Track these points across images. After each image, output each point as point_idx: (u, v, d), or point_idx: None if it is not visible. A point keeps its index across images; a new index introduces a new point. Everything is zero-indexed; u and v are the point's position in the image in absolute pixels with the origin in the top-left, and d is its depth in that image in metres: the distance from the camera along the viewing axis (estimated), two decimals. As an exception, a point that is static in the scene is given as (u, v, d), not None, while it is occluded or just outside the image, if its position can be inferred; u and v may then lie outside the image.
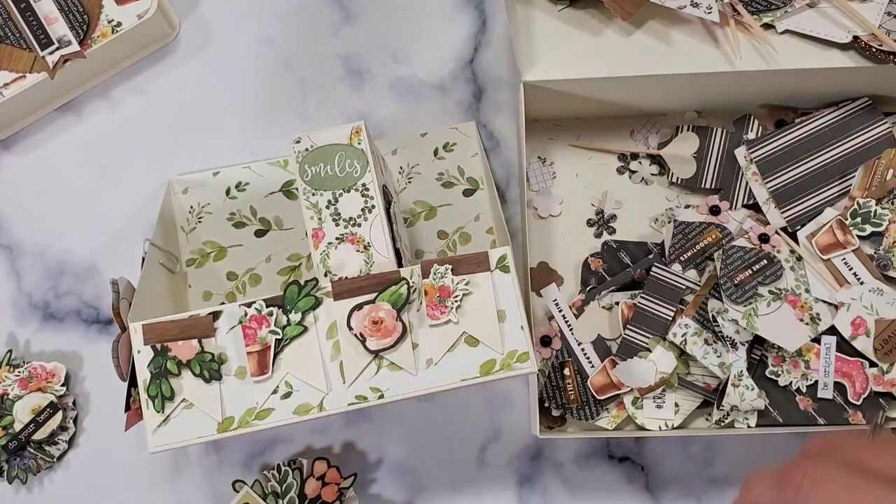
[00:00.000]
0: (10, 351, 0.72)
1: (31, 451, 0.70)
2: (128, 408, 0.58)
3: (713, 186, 0.71)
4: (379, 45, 0.77)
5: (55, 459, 0.71)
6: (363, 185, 0.57)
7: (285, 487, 0.66)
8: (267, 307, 0.55)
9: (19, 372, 0.71)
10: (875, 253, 0.67)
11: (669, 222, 0.69)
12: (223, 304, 0.61)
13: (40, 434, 0.70)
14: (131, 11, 0.72)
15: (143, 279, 0.62)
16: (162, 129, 0.76)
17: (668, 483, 0.71)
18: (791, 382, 0.65)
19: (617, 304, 0.68)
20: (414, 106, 0.76)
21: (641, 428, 0.66)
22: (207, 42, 0.78)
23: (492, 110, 0.76)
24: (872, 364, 0.65)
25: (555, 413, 0.67)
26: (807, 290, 0.66)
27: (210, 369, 0.55)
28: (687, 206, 0.72)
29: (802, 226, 0.68)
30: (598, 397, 0.66)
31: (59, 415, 0.70)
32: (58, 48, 0.71)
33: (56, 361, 0.72)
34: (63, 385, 0.71)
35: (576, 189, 0.73)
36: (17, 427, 0.69)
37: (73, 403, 0.72)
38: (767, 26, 0.65)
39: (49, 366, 0.71)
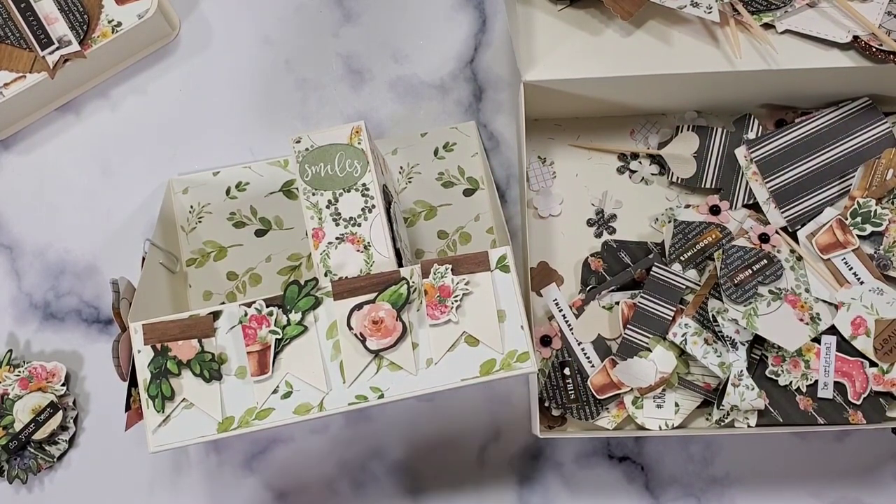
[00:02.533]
0: (11, 351, 0.72)
1: (32, 450, 0.70)
2: (128, 408, 0.58)
3: (713, 186, 0.71)
4: (379, 45, 0.77)
5: (55, 459, 0.71)
6: (363, 184, 0.57)
7: None
8: (267, 307, 0.55)
9: (19, 372, 0.71)
10: (875, 253, 0.67)
11: (669, 222, 0.69)
12: (223, 303, 0.61)
13: (40, 434, 0.70)
14: (131, 11, 0.72)
15: (144, 279, 0.62)
16: (162, 129, 0.76)
17: (668, 483, 0.71)
18: (791, 382, 0.65)
19: (617, 303, 0.68)
20: (414, 106, 0.76)
21: (641, 428, 0.66)
22: (207, 42, 0.78)
23: (492, 110, 0.76)
24: (872, 364, 0.65)
25: (555, 413, 0.67)
26: (807, 290, 0.66)
27: (210, 369, 0.55)
28: (687, 206, 0.72)
29: (802, 225, 0.68)
30: (598, 397, 0.66)
31: (60, 414, 0.70)
32: (58, 48, 0.71)
33: (56, 361, 0.72)
34: (63, 385, 0.71)
35: (576, 189, 0.73)
36: (18, 427, 0.69)
37: (74, 403, 0.72)
38: (767, 26, 0.65)
39: (49, 365, 0.71)
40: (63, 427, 0.71)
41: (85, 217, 0.75)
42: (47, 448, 0.71)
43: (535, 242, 0.72)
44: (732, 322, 0.64)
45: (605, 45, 0.65)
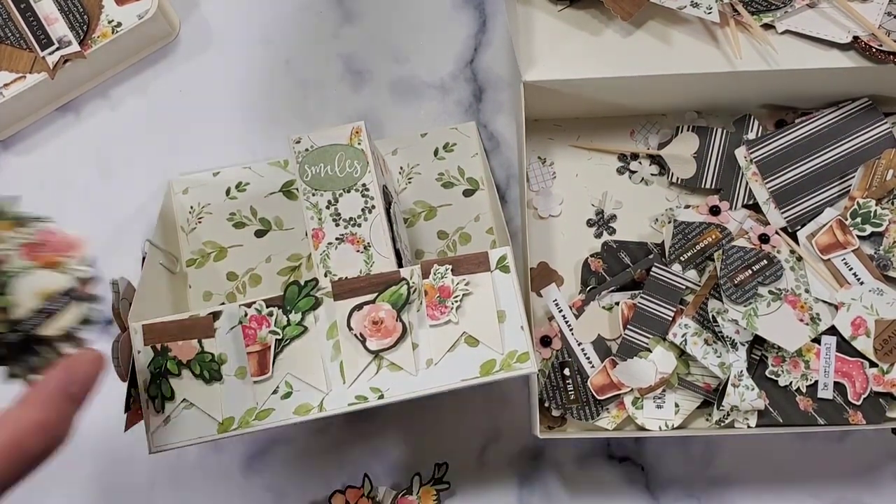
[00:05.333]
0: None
1: (38, 350, 0.45)
2: (128, 408, 0.58)
3: (713, 186, 0.71)
4: (379, 45, 0.77)
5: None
6: (363, 185, 0.57)
7: None
8: (267, 307, 0.55)
9: (26, 234, 0.46)
10: (875, 253, 0.67)
11: (669, 222, 0.69)
12: (223, 304, 0.61)
13: (51, 329, 0.45)
14: (131, 11, 0.72)
15: (144, 279, 0.62)
16: (162, 129, 0.76)
17: (668, 483, 0.71)
18: (791, 382, 0.65)
19: (617, 304, 0.68)
20: (414, 106, 0.76)
21: (641, 428, 0.66)
22: (207, 42, 0.78)
23: (492, 110, 0.76)
24: (872, 364, 0.65)
25: (555, 413, 0.67)
26: (807, 290, 0.66)
27: (210, 369, 0.55)
28: (687, 206, 0.72)
29: (802, 226, 0.68)
30: (598, 397, 0.66)
31: (78, 308, 0.45)
32: (58, 48, 0.71)
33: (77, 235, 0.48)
34: (88, 266, 0.46)
35: (576, 189, 0.73)
36: (20, 314, 0.44)
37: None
38: (767, 26, 0.65)
39: (69, 235, 0.47)
40: (87, 320, 0.46)
41: (85, 217, 0.75)
42: (59, 346, 0.46)
43: (535, 243, 0.72)
44: (732, 322, 0.64)
45: (605, 45, 0.65)
